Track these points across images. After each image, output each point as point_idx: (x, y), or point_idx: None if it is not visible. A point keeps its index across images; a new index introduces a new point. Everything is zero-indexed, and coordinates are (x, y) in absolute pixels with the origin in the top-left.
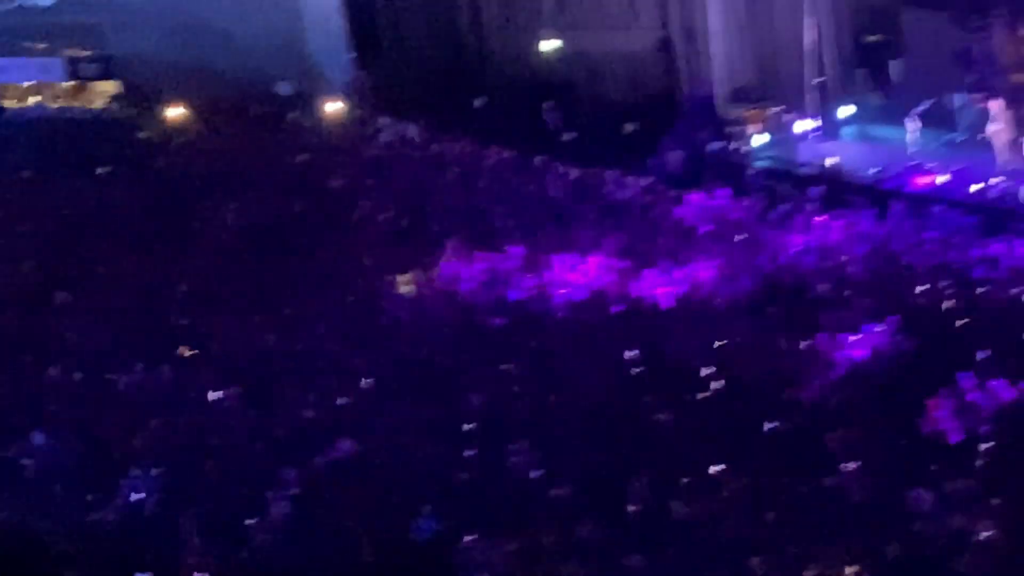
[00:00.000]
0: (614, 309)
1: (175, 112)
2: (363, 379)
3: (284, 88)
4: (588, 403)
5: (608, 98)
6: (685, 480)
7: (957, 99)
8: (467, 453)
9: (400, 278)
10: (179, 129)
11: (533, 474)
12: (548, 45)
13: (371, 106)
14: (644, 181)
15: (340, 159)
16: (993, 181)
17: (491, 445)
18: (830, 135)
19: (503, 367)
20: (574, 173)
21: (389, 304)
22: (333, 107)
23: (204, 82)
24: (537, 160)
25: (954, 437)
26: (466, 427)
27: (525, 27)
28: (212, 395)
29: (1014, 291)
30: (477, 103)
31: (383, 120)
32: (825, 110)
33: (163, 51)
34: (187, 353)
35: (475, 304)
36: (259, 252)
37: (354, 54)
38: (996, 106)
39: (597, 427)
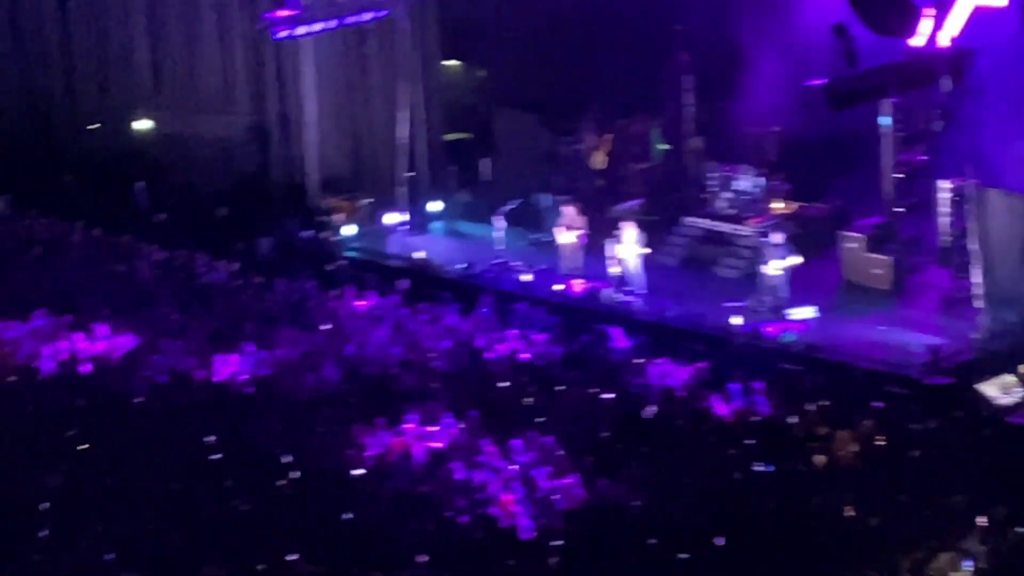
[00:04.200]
0: (197, 393)
1: None
2: None
3: None
4: (168, 488)
5: (200, 181)
6: (261, 567)
7: (543, 200)
8: (41, 533)
9: None
10: None
11: (107, 557)
12: (142, 124)
13: None
14: (234, 266)
15: None
16: (577, 281)
17: (67, 526)
18: (420, 229)
19: (81, 448)
20: (163, 255)
21: None
22: None
23: None
24: (126, 239)
25: (526, 534)
26: (41, 507)
27: (119, 105)
28: None
29: (592, 391)
30: (67, 178)
31: None
32: (415, 205)
33: None
34: None
35: (55, 383)
36: None
37: None
38: (568, 210)
39: (177, 511)
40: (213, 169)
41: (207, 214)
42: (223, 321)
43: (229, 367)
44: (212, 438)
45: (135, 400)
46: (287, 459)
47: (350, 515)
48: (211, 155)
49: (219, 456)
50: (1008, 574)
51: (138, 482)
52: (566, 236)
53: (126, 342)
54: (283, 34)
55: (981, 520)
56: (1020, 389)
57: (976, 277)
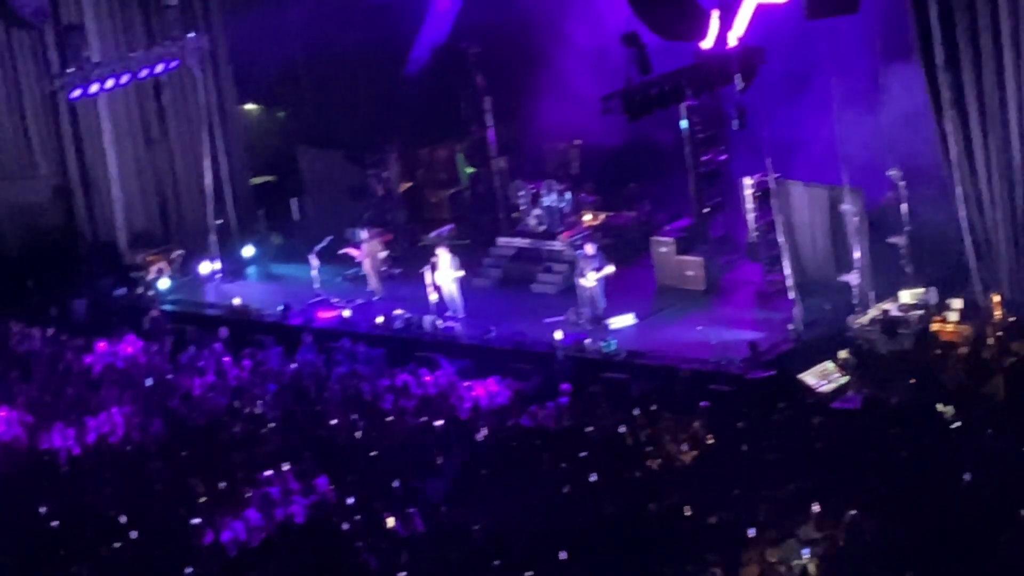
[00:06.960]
0: (25, 462)
1: None
2: None
3: None
4: (3, 561)
5: (6, 249)
6: None
7: (356, 234)
8: None
9: None
10: None
11: None
12: None
13: None
14: (49, 331)
15: None
16: (397, 312)
17: None
18: (235, 276)
19: None
20: None
21: None
22: None
23: None
24: None
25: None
26: None
27: None
28: None
29: (423, 419)
30: None
31: None
32: (228, 251)
33: None
34: None
35: None
36: None
37: None
38: (365, 236)
39: None
40: (19, 235)
41: (17, 281)
42: (44, 388)
43: (54, 433)
44: (44, 508)
45: None
46: (124, 519)
47: (191, 570)
48: (16, 221)
49: (54, 524)
50: (845, 557)
51: None
52: (367, 263)
53: None
54: (76, 93)
55: (815, 507)
56: (840, 375)
57: (786, 269)
